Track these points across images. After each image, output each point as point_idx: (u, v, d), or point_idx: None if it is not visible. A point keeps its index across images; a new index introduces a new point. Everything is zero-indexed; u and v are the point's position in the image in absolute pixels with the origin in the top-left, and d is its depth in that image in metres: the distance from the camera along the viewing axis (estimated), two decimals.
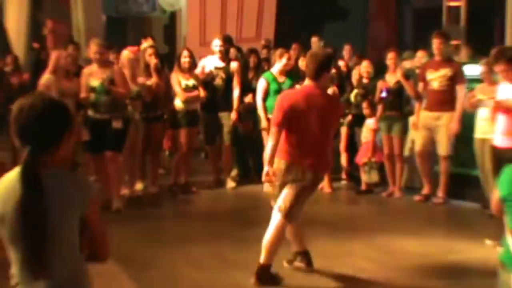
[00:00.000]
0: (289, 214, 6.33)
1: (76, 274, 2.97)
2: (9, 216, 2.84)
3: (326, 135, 6.46)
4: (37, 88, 9.28)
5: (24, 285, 2.90)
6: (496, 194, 4.05)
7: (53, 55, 9.59)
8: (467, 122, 9.50)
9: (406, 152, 10.46)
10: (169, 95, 10.48)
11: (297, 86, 8.81)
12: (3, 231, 2.88)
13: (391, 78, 10.30)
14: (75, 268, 2.97)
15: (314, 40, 13.49)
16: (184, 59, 10.40)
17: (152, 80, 10.02)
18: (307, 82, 6.48)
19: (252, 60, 11.63)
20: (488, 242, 7.42)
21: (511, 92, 7.58)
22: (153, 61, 10.18)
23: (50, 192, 2.82)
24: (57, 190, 2.85)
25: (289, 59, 10.51)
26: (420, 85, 10.05)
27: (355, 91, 10.84)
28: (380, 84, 10.31)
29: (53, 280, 2.87)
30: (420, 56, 11.28)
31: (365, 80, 10.72)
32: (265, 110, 10.05)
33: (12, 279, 2.93)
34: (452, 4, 17.83)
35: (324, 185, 10.47)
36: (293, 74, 10.49)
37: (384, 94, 10.23)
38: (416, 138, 10.13)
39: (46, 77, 9.31)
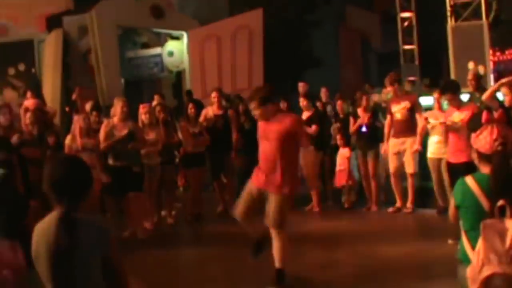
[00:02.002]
0: None
1: None
2: (42, 256, 2.86)
3: None
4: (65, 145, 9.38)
5: None
6: (452, 202, 4.05)
7: (75, 118, 9.70)
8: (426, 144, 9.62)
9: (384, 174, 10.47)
10: (177, 143, 10.42)
11: None
12: (40, 269, 2.90)
13: (364, 115, 10.32)
14: None
15: (301, 84, 13.48)
16: (190, 110, 10.52)
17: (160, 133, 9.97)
18: None
19: (240, 107, 11.66)
20: (450, 241, 7.42)
21: (456, 117, 7.68)
22: (160, 116, 10.23)
23: (77, 236, 2.85)
24: (83, 233, 2.87)
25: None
26: (389, 117, 10.08)
27: (334, 125, 10.91)
28: (359, 121, 10.31)
29: None
30: (386, 92, 11.33)
31: (341, 116, 10.76)
32: None
33: None
34: (407, 47, 18.06)
35: (314, 205, 10.50)
36: None
37: (364, 129, 10.26)
38: (389, 163, 10.12)
39: (68, 137, 9.60)
